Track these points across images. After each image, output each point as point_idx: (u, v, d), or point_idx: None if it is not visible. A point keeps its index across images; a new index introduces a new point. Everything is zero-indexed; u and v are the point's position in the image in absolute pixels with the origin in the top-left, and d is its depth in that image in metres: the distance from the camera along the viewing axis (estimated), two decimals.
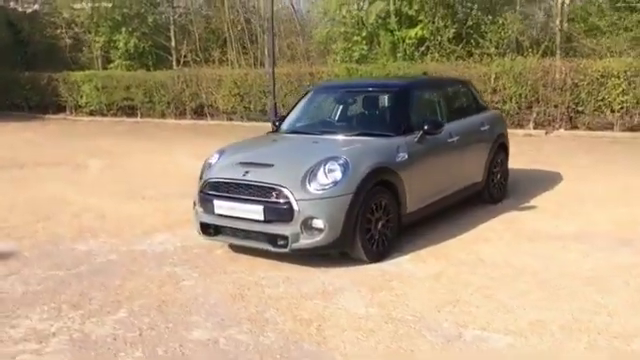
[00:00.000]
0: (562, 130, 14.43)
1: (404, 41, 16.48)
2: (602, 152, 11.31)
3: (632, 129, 14.12)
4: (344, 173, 4.85)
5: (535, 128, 14.65)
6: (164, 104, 20.51)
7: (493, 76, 14.44)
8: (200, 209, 5.37)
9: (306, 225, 4.78)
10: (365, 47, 17.01)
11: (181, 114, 20.62)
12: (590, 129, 14.26)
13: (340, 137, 5.69)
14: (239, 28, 20.49)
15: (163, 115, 20.62)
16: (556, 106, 14.38)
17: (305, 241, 4.81)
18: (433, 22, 16.23)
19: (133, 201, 7.83)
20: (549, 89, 14.33)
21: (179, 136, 16.13)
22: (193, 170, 10.64)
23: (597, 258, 5.11)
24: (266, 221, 4.88)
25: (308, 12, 21.18)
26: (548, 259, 5.11)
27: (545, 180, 8.38)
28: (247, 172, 5.06)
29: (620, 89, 13.57)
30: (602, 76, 13.71)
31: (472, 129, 6.64)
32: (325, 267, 4.99)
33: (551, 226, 6.10)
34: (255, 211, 4.90)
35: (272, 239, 4.91)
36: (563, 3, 16.25)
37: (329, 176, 4.85)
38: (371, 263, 5.03)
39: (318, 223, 4.78)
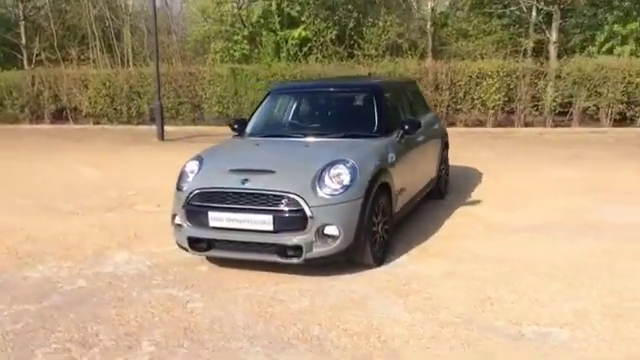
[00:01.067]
0: None
1: (287, 41, 16.43)
2: (494, 146, 12.17)
3: (500, 124, 15.43)
4: (354, 176, 4.65)
5: None
6: (17, 108, 18.56)
7: None
8: (187, 223, 4.86)
9: (320, 233, 4.52)
10: (247, 47, 16.68)
11: (38, 118, 18.80)
12: (467, 125, 15.31)
13: (327, 139, 5.46)
14: (106, 24, 19.03)
15: (16, 120, 18.63)
16: (436, 105, 15.22)
17: (319, 249, 4.54)
18: (314, 23, 16.38)
19: (54, 217, 6.91)
20: (429, 89, 15.12)
21: (48, 143, 14.60)
22: (97, 180, 9.75)
23: (584, 246, 5.42)
24: (276, 231, 4.53)
25: (182, 9, 20.29)
26: (541, 250, 5.32)
27: (469, 175, 8.80)
28: (246, 180, 4.66)
29: (494, 88, 14.72)
30: (478, 76, 14.77)
31: (429, 127, 6.77)
32: (333, 275, 4.75)
33: (514, 218, 6.39)
34: (263, 221, 4.53)
35: (281, 250, 4.57)
36: (433, 9, 17.25)
37: (337, 180, 4.62)
38: (376, 267, 4.90)
39: (332, 230, 4.53)
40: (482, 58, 15.98)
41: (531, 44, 17.05)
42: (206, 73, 16.20)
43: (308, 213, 4.48)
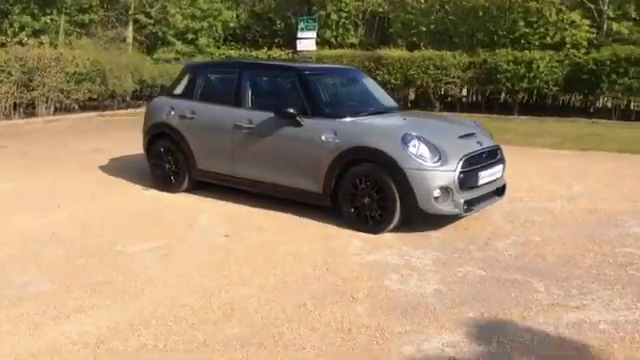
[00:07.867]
0: None
1: None
2: None
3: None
4: None
5: None
6: None
7: None
8: (458, 190, 5.32)
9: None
10: None
11: None
12: None
13: (407, 113, 7.52)
14: None
15: None
16: None
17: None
18: None
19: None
20: None
21: None
22: None
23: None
24: (501, 177, 5.97)
25: None
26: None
27: None
28: (479, 142, 5.78)
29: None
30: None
31: None
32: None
33: None
34: (499, 170, 5.90)
35: (500, 191, 6.04)
36: None
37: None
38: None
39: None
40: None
41: None
42: None
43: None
